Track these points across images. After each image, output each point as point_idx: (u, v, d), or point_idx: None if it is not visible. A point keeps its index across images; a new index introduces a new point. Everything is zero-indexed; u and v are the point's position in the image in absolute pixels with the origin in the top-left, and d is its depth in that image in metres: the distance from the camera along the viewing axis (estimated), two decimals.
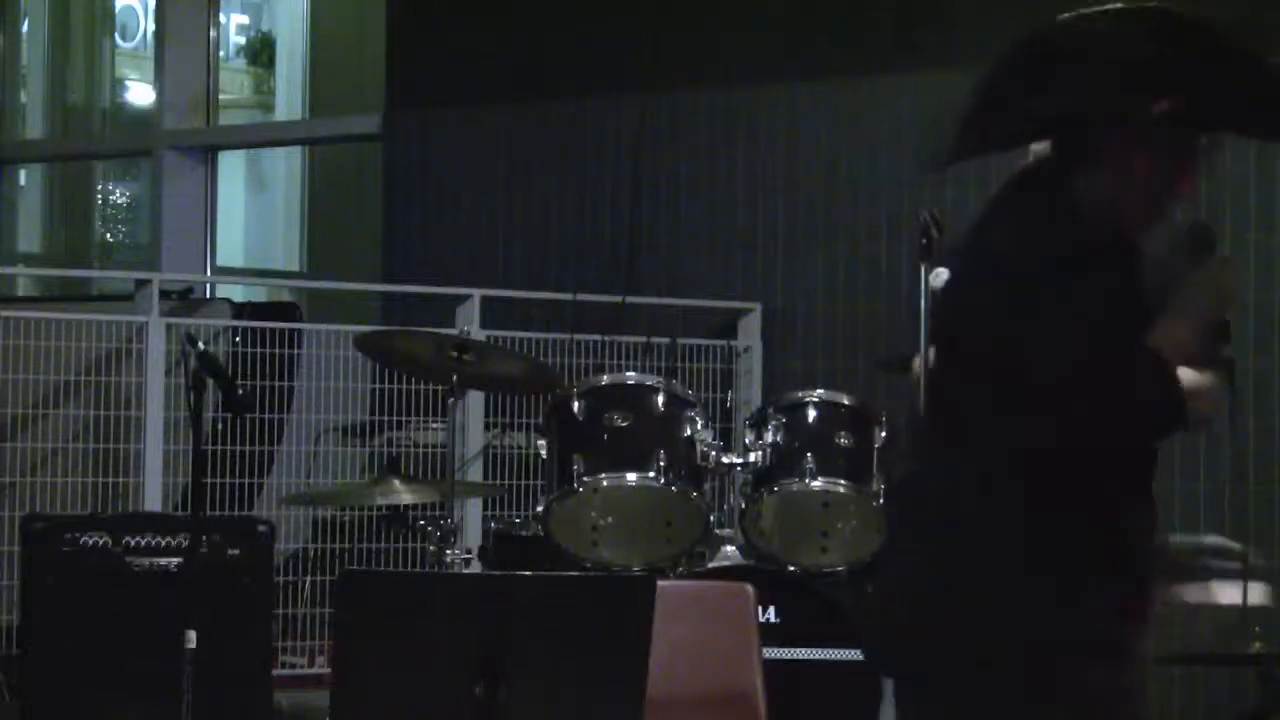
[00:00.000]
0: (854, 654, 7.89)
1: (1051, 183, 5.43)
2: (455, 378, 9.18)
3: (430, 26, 12.23)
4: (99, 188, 16.34)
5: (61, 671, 7.89)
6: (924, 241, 6.43)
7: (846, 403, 8.05)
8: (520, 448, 9.75)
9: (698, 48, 11.12)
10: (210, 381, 6.24)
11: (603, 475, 8.05)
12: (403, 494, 8.59)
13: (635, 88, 11.15)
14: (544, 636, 6.06)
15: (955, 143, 6.09)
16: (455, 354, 9.11)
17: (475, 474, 10.12)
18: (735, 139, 10.87)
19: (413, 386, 10.04)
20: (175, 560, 8.07)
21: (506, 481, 9.98)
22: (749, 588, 8.02)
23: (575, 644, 6.14)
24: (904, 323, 7.20)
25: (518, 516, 8.96)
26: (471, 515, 9.86)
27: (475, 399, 10.12)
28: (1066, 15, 6.00)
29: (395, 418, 10.04)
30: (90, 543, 8.07)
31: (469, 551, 8.81)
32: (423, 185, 12.04)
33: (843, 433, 7.93)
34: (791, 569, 8.28)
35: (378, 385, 10.10)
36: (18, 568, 8.83)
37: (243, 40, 15.83)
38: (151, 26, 15.04)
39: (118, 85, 16.56)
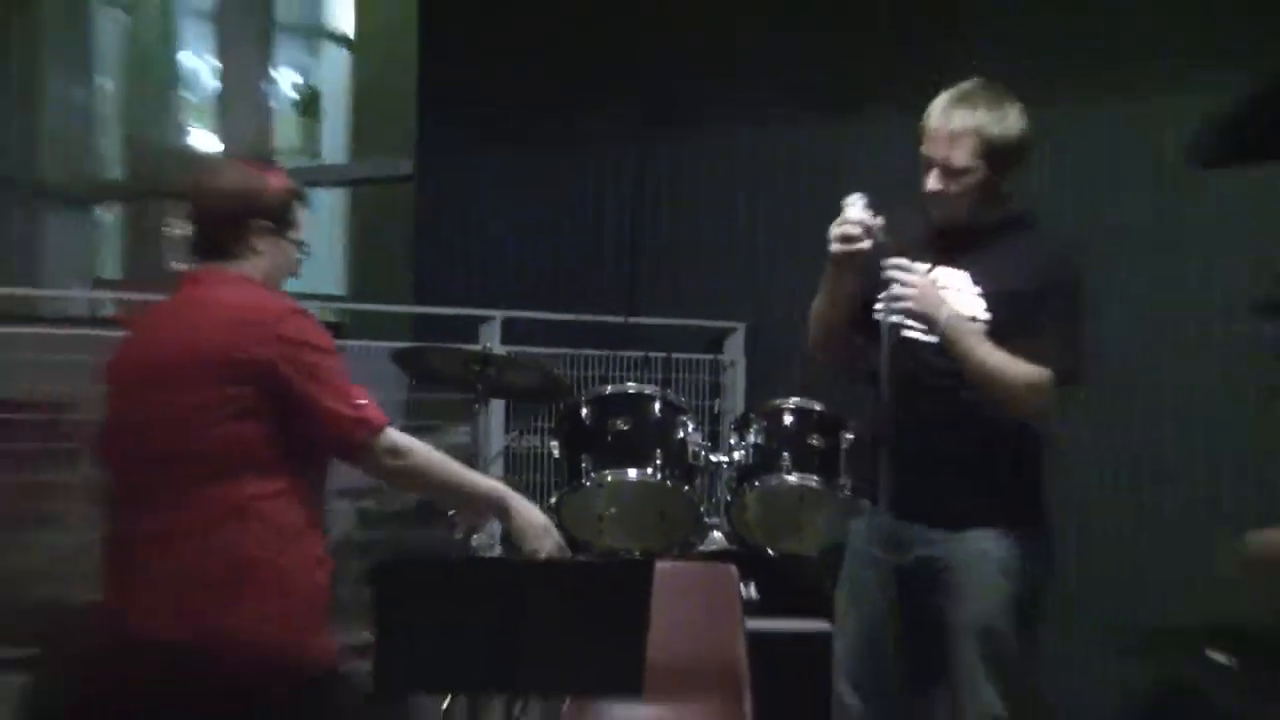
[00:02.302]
0: (823, 625, 8.03)
1: None
2: (479, 388, 9.36)
3: (456, 81, 12.33)
4: (169, 225, 16.33)
5: None
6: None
7: (818, 409, 8.18)
8: (535, 448, 9.83)
9: (698, 99, 11.24)
10: None
11: (607, 472, 8.22)
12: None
13: (637, 137, 11.30)
14: (557, 613, 6.18)
15: (1218, 148, 6.38)
16: (478, 367, 9.28)
17: (497, 471, 10.11)
18: (723, 182, 11.03)
19: (442, 396, 10.13)
20: None
21: (524, 478, 10.05)
22: (733, 569, 8.28)
23: (584, 619, 6.28)
24: None
25: (541, 506, 9.14)
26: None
27: (497, 406, 10.28)
28: None
29: (426, 423, 10.12)
30: None
31: (492, 539, 8.97)
32: (450, 219, 12.15)
33: (815, 435, 8.08)
34: (770, 553, 8.40)
35: (411, 395, 10.20)
36: None
37: (293, 94, 15.76)
38: (215, 83, 15.04)
39: (185, 133, 16.51)
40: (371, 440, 6.00)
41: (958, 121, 6.66)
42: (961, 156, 6.63)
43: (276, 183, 6.31)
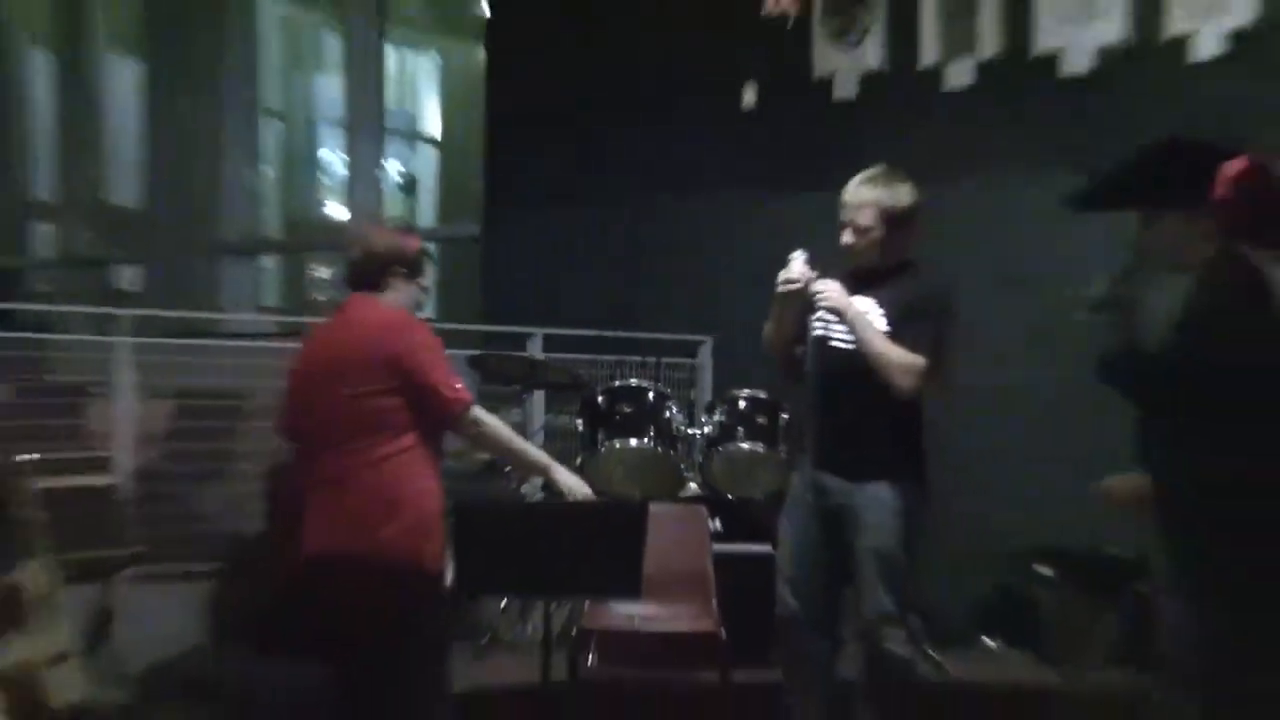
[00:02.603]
0: (767, 548, 8.07)
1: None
2: (526, 383, 9.45)
3: (509, 169, 12.34)
4: (311, 269, 16.24)
5: None
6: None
7: (762, 396, 8.26)
8: (565, 425, 9.83)
9: (686, 175, 11.22)
10: None
11: (615, 441, 8.40)
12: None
13: (636, 202, 11.42)
14: (581, 540, 6.37)
15: (1095, 198, 6.63)
16: (526, 369, 9.38)
17: (538, 441, 9.96)
18: (701, 234, 11.07)
19: (500, 388, 10.14)
20: None
21: (556, 446, 9.94)
22: (703, 509, 8.41)
23: (600, 544, 6.42)
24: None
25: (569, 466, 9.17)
26: None
27: (539, 396, 10.35)
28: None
29: (490, 407, 10.15)
30: None
31: (535, 489, 9.03)
32: (505, 263, 12.18)
33: (760, 415, 8.18)
34: (730, 498, 8.51)
35: (479, 388, 10.14)
36: None
37: (398, 178, 15.74)
38: (344, 170, 15.00)
39: (322, 205, 16.47)
40: (463, 413, 6.40)
41: (863, 195, 6.94)
42: (865, 219, 6.89)
43: (414, 244, 6.77)
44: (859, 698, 7.19)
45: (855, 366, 6.85)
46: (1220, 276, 5.71)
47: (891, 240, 6.93)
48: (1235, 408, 5.55)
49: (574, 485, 6.84)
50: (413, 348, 6.40)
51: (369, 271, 6.69)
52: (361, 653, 6.56)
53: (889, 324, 6.83)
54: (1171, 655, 5.67)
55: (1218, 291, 5.68)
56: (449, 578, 6.69)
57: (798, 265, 6.87)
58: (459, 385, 6.40)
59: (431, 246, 7.03)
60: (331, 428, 6.52)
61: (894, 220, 6.92)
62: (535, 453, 6.95)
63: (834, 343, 6.92)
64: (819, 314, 6.95)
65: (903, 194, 6.93)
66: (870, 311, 6.85)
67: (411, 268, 6.63)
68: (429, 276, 6.73)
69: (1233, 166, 5.81)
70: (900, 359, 6.76)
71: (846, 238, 6.92)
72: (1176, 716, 5.66)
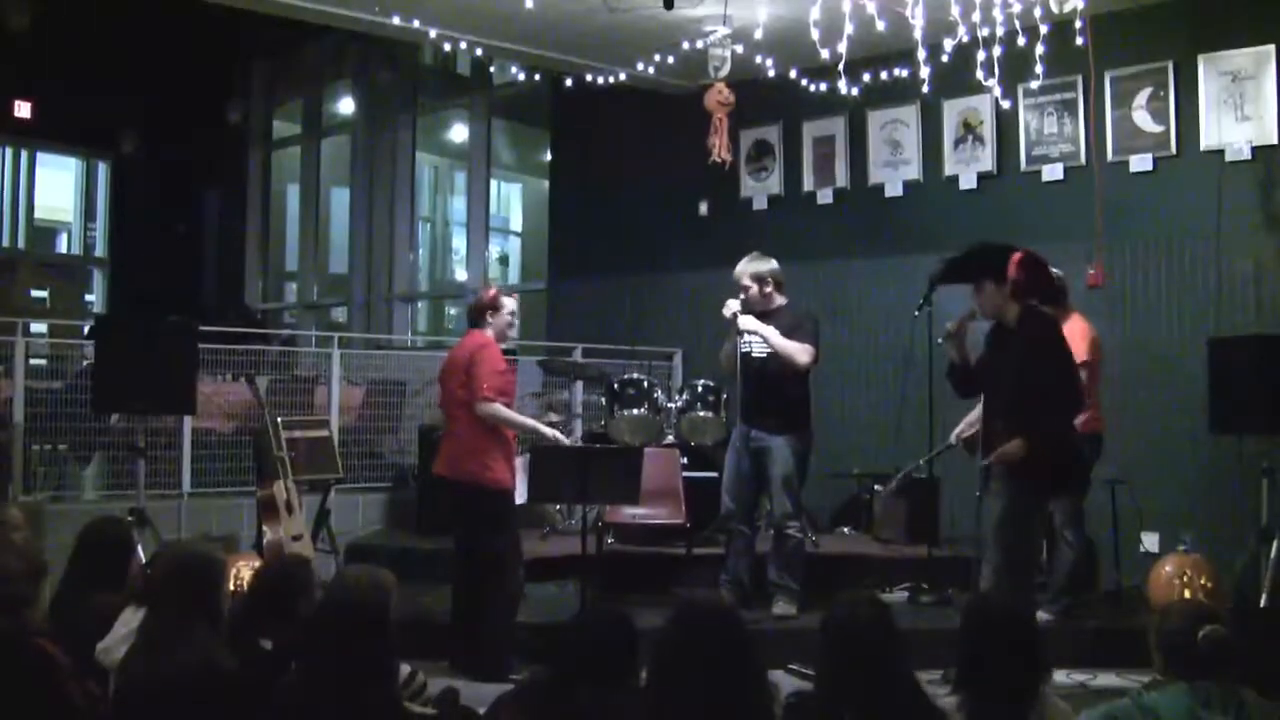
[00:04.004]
0: (714, 474, 8.04)
1: None
2: (571, 376, 9.39)
3: (564, 249, 12.31)
4: (450, 311, 16.06)
5: None
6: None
7: (711, 384, 8.08)
8: (595, 401, 9.79)
9: (672, 250, 11.08)
10: None
11: (625, 410, 8.27)
12: (552, 415, 8.79)
13: (632, 271, 11.29)
14: (604, 467, 6.35)
15: (946, 275, 6.85)
16: (571, 368, 9.33)
17: (578, 410, 10.07)
18: (680, 291, 10.98)
19: (557, 378, 10.06)
20: None
21: (586, 415, 9.95)
22: (676, 451, 8.33)
23: (615, 470, 6.44)
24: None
25: (596, 427, 9.13)
26: (578, 427, 9.76)
27: (579, 385, 10.20)
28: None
29: (549, 392, 10.09)
30: None
31: (578, 439, 9.01)
32: (562, 306, 12.11)
33: (709, 395, 8.05)
34: (692, 444, 8.37)
35: (544, 379, 10.12)
36: None
37: (496, 255, 15.56)
38: (464, 251, 14.87)
39: (453, 272, 16.33)
40: (480, 402, 6.46)
41: (749, 268, 7.24)
42: (752, 282, 7.19)
43: (491, 293, 6.84)
44: (769, 562, 7.27)
45: (767, 366, 7.12)
46: (1029, 320, 6.15)
47: (771, 291, 7.19)
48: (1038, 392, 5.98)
49: (550, 435, 6.92)
50: (475, 358, 6.50)
51: (472, 314, 6.81)
52: (466, 531, 6.61)
53: (783, 335, 7.07)
54: (991, 531, 6.11)
55: (1031, 326, 6.14)
56: (523, 491, 6.73)
57: (732, 304, 7.08)
58: (487, 385, 6.45)
59: (516, 297, 7.01)
60: (450, 403, 6.70)
61: (767, 280, 7.19)
62: (530, 423, 6.95)
63: (753, 354, 7.15)
64: (744, 339, 7.11)
65: (771, 265, 7.24)
66: (771, 330, 7.09)
67: (494, 308, 6.67)
68: (511, 312, 6.75)
69: (1017, 255, 6.04)
70: (798, 347, 7.03)
71: (745, 295, 7.17)
72: (990, 568, 6.03)
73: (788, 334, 7.06)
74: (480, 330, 6.66)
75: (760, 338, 7.07)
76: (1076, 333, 7.01)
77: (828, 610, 3.44)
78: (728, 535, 7.40)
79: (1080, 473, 6.79)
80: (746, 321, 7.08)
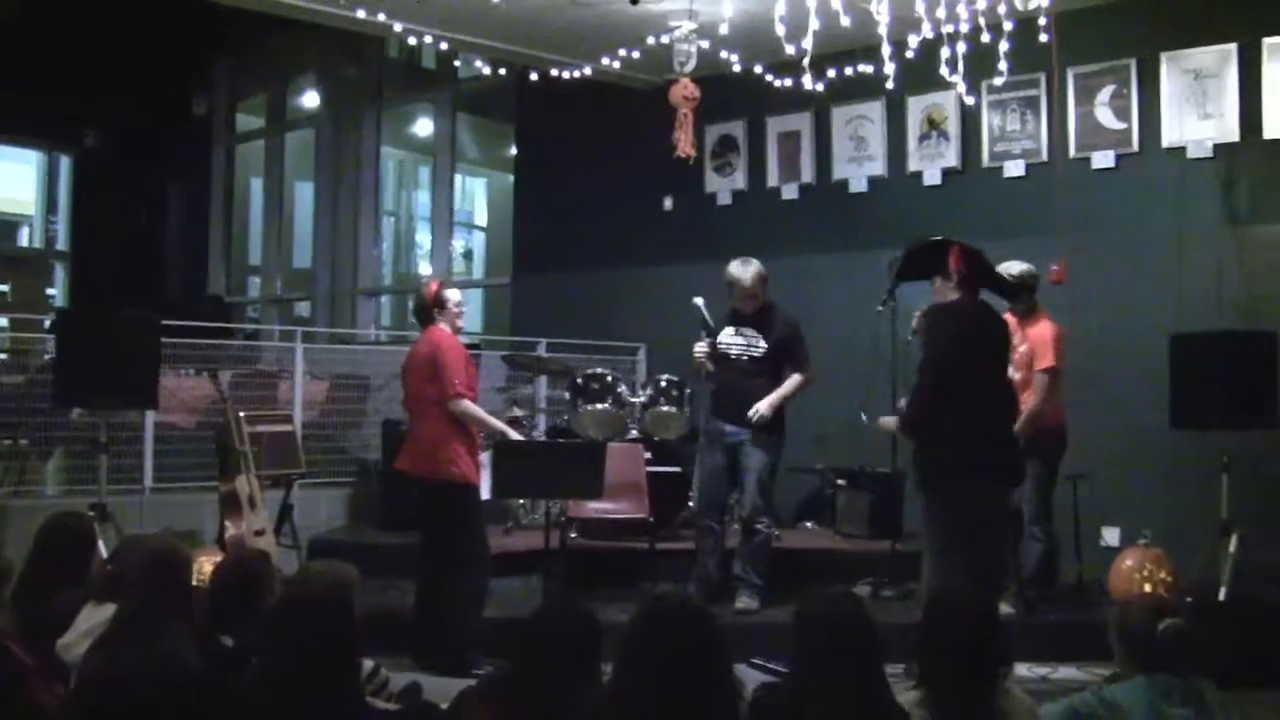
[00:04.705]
0: (678, 469, 8.06)
1: None
2: (535, 370, 9.37)
3: (529, 244, 12.28)
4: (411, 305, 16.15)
5: None
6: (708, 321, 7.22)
7: (676, 379, 8.16)
8: (560, 396, 9.77)
9: (637, 244, 11.06)
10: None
11: (589, 405, 8.31)
12: (516, 410, 8.76)
13: (606, 267, 11.30)
14: (569, 461, 6.32)
15: (898, 274, 6.96)
16: (535, 363, 9.30)
17: (542, 404, 10.08)
18: (647, 289, 10.97)
19: (521, 373, 10.02)
20: None
21: (550, 409, 9.89)
22: (640, 446, 8.33)
23: (579, 465, 6.43)
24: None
25: (560, 421, 9.12)
26: (542, 421, 9.71)
27: (542, 380, 10.22)
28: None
29: (513, 387, 10.05)
30: None
31: (542, 434, 8.98)
32: (526, 300, 12.05)
33: (673, 390, 8.12)
34: (655, 439, 8.38)
35: (508, 374, 10.07)
36: None
37: (461, 250, 15.50)
38: (429, 246, 14.84)
39: (417, 266, 16.30)
40: (453, 400, 6.42)
41: (752, 274, 7.31)
42: (757, 289, 7.29)
43: (434, 287, 6.76)
44: (736, 557, 7.29)
45: (746, 369, 7.25)
46: (964, 308, 6.18)
47: (761, 294, 7.27)
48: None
49: (514, 435, 6.98)
50: (438, 352, 6.47)
51: (420, 314, 6.76)
52: (431, 526, 6.59)
53: (768, 344, 7.22)
54: (923, 528, 6.19)
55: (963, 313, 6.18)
56: (487, 486, 6.71)
57: (700, 347, 7.27)
58: (458, 381, 6.42)
59: (480, 291, 7.00)
60: (413, 399, 6.67)
61: (761, 283, 7.26)
62: (498, 424, 6.92)
63: (732, 355, 7.30)
64: (722, 339, 7.26)
65: (756, 268, 7.27)
66: (757, 337, 7.24)
67: (438, 303, 6.63)
68: (457, 304, 6.71)
69: (955, 248, 6.03)
70: (798, 386, 7.26)
71: (740, 296, 7.24)
72: (926, 561, 6.09)
73: (782, 344, 7.19)
74: (436, 326, 6.62)
75: (742, 345, 7.19)
76: (1044, 336, 7.06)
77: (802, 604, 3.41)
78: (698, 531, 7.42)
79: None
80: (761, 413, 7.16)
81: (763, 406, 7.07)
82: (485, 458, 6.90)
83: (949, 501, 5.96)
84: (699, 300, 7.34)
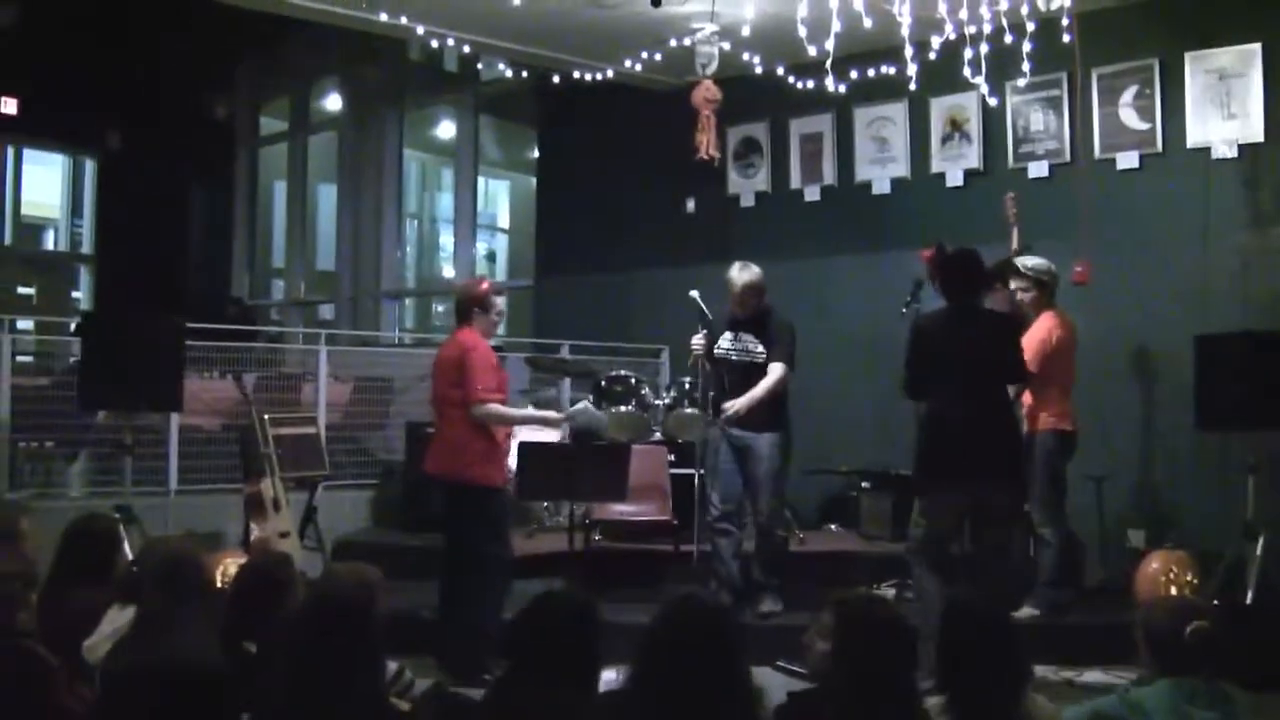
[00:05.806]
0: (698, 471, 8.02)
1: None
2: (559, 373, 9.38)
3: (551, 245, 12.31)
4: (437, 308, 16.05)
5: None
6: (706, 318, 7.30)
7: (699, 382, 8.10)
8: (583, 398, 9.79)
9: (660, 246, 11.03)
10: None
11: (613, 408, 8.32)
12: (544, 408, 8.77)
13: (623, 268, 11.29)
14: (591, 464, 6.31)
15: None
16: (558, 365, 9.31)
17: (568, 407, 10.06)
18: (666, 293, 10.97)
19: (544, 375, 10.03)
20: None
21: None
22: (664, 448, 8.29)
23: (602, 468, 6.41)
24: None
25: None
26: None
27: (567, 381, 10.23)
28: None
29: (538, 390, 10.06)
30: None
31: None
32: (549, 303, 12.09)
33: (695, 393, 8.03)
34: (679, 440, 8.32)
35: (532, 376, 10.12)
36: None
37: (484, 252, 15.57)
38: (451, 248, 14.86)
39: (441, 269, 16.33)
40: (475, 405, 6.38)
41: (750, 279, 7.23)
42: (754, 294, 7.21)
43: (484, 287, 6.79)
44: (754, 560, 7.26)
45: (744, 371, 7.21)
46: (928, 320, 6.46)
47: (758, 298, 7.22)
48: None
49: (554, 417, 7.19)
50: (466, 356, 6.43)
51: (461, 306, 6.71)
52: (455, 529, 6.59)
53: (763, 345, 7.16)
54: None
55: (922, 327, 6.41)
56: (513, 489, 6.72)
57: (696, 340, 7.29)
58: (481, 386, 6.40)
59: (505, 296, 6.99)
60: (440, 401, 6.63)
61: (761, 289, 7.21)
62: (523, 413, 7.09)
63: (730, 358, 7.30)
64: (719, 343, 7.27)
65: (755, 272, 7.22)
66: (753, 338, 7.20)
67: (482, 304, 6.62)
68: (499, 312, 6.71)
69: (929, 255, 6.41)
70: (776, 381, 7.11)
71: (735, 299, 7.21)
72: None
73: (772, 339, 7.12)
74: (468, 327, 6.60)
75: (740, 350, 7.17)
76: (1032, 340, 6.96)
77: (836, 607, 3.36)
78: (716, 532, 7.40)
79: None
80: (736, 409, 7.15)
81: (740, 403, 7.07)
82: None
83: (929, 506, 6.43)
84: (695, 293, 7.33)
